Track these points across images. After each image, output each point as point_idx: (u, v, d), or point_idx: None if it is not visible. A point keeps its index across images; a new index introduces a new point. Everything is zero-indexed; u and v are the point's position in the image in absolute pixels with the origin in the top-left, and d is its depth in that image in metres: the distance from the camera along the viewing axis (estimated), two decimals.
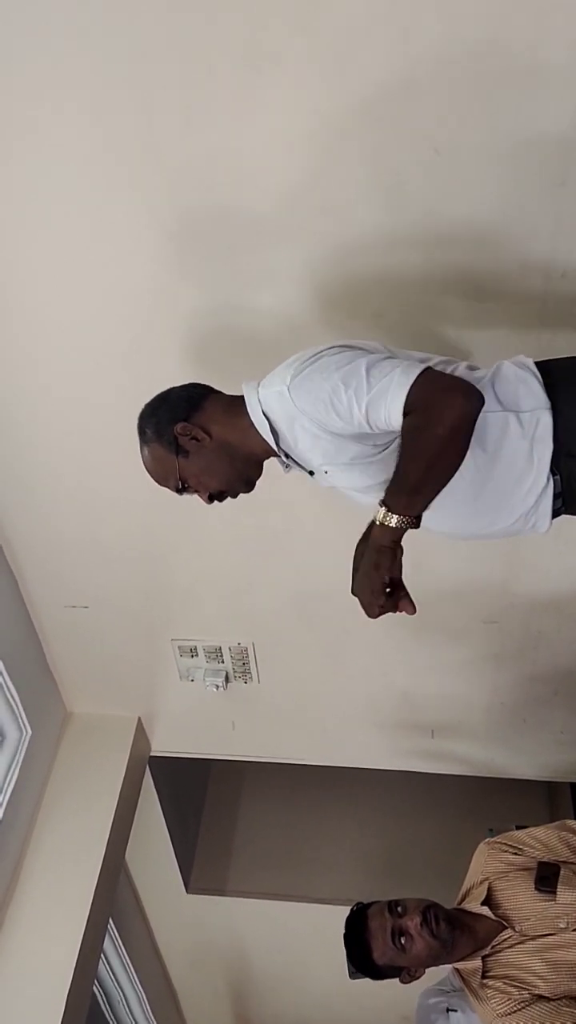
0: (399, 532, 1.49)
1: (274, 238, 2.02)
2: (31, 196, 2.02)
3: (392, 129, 1.83)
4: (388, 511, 1.47)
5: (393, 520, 1.47)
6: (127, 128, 1.88)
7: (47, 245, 2.10)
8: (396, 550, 1.51)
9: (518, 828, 3.32)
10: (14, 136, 1.92)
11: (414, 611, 1.57)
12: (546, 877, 2.08)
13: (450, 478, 1.46)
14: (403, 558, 1.53)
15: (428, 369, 1.46)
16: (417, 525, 1.49)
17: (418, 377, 1.43)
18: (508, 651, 2.99)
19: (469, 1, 1.65)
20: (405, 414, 1.43)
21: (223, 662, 3.24)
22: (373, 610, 1.57)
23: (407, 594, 1.58)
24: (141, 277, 2.13)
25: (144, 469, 1.71)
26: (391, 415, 1.44)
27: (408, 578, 1.58)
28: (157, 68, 1.80)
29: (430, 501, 1.48)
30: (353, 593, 1.60)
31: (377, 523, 1.49)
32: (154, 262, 2.09)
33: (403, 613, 1.58)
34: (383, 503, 1.49)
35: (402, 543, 1.52)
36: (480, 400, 1.42)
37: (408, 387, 1.42)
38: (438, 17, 1.68)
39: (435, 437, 1.41)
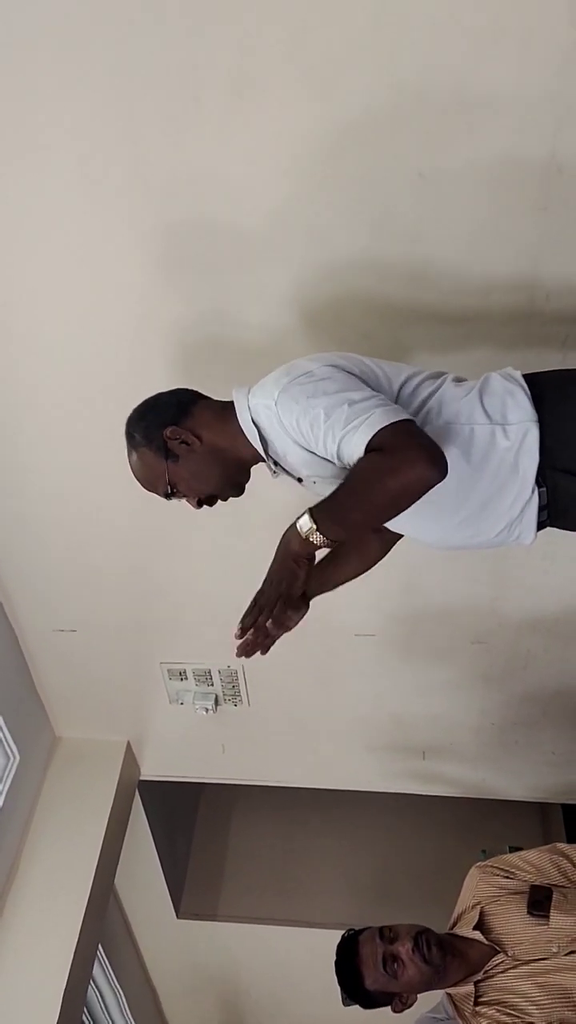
0: (315, 548, 1.48)
1: (260, 257, 2.04)
2: (18, 216, 2.02)
3: (377, 154, 1.85)
4: (315, 527, 1.45)
5: (317, 538, 1.46)
6: (113, 148, 1.90)
7: (35, 264, 2.11)
8: (306, 564, 1.52)
9: (511, 849, 3.32)
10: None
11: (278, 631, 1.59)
12: (538, 901, 2.07)
13: (373, 525, 1.47)
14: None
15: (410, 420, 1.44)
16: (331, 547, 1.49)
17: (396, 422, 1.41)
18: (497, 672, 2.98)
19: (452, 30, 1.68)
20: (370, 450, 1.41)
21: (212, 685, 3.23)
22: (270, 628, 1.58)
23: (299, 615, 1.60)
24: (129, 294, 2.14)
25: (133, 478, 1.69)
26: (355, 452, 1.43)
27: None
28: (145, 91, 1.81)
29: (351, 535, 1.49)
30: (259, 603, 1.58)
31: (301, 533, 1.47)
32: (141, 279, 2.10)
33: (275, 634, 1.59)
34: (312, 516, 1.46)
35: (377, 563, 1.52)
36: (443, 474, 1.39)
37: (380, 428, 1.40)
38: (421, 45, 1.70)
39: (385, 487, 1.40)
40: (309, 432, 1.48)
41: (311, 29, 1.71)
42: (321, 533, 1.45)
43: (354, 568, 1.85)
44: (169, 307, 2.15)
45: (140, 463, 1.66)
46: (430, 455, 1.39)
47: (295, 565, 1.52)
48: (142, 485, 1.69)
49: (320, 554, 1.55)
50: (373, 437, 1.40)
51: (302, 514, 1.48)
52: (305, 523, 1.46)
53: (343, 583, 1.83)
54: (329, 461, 1.52)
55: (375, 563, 1.88)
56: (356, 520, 1.48)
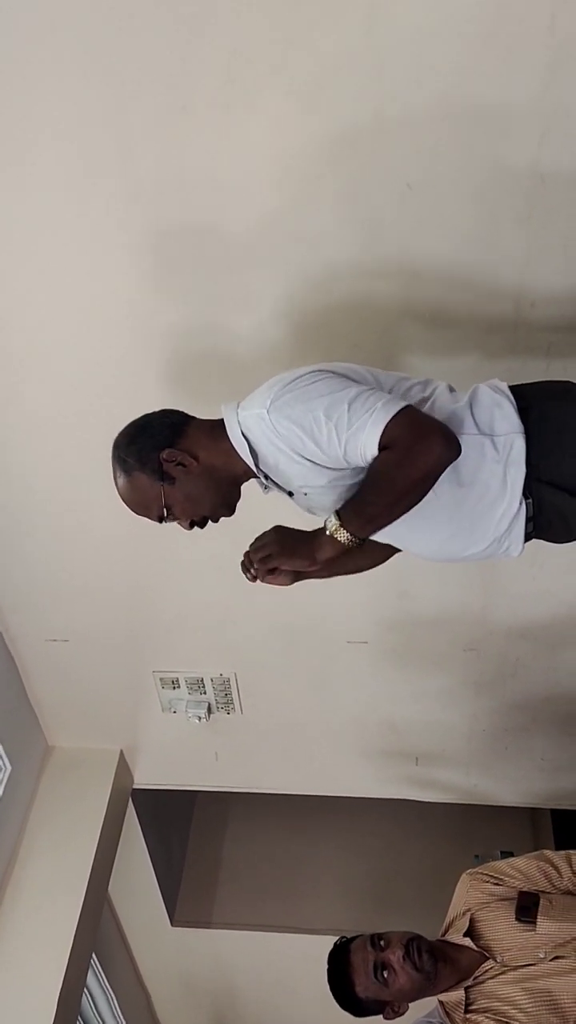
0: (343, 548, 1.52)
1: (250, 265, 2.05)
2: (9, 224, 2.03)
3: (366, 165, 1.88)
4: (341, 526, 1.49)
5: (343, 536, 1.50)
6: (104, 158, 1.91)
7: (27, 272, 2.12)
8: (322, 564, 1.56)
9: (502, 854, 3.33)
10: None
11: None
12: (526, 907, 2.08)
13: (403, 514, 1.49)
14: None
15: (409, 407, 1.47)
16: (362, 545, 1.52)
17: (398, 413, 1.44)
18: (487, 678, 3.00)
19: (438, 42, 1.70)
20: (383, 448, 1.44)
21: (205, 693, 3.23)
22: (258, 571, 1.61)
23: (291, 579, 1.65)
24: (119, 302, 2.15)
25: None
26: (366, 450, 1.45)
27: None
28: (135, 100, 1.83)
29: (381, 528, 1.51)
30: (259, 553, 1.61)
31: (327, 533, 1.51)
32: (131, 286, 2.12)
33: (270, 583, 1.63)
34: (338, 516, 1.50)
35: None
36: (458, 449, 1.44)
37: (386, 422, 1.42)
38: (409, 57, 1.72)
39: (408, 478, 1.44)
40: (309, 435, 1.48)
41: (300, 41, 1.73)
42: (347, 531, 1.49)
43: (357, 565, 1.85)
44: (159, 316, 2.17)
45: (132, 487, 1.62)
46: (442, 435, 1.44)
47: (304, 564, 1.56)
48: (133, 509, 1.65)
49: None
50: (383, 435, 1.43)
51: (331, 516, 1.51)
52: (332, 522, 1.50)
53: (342, 575, 1.84)
54: (324, 467, 1.53)
55: (376, 565, 1.88)
56: (382, 515, 1.50)
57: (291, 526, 1.63)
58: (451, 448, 1.44)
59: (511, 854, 3.46)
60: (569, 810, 3.75)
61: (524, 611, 2.75)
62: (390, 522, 1.49)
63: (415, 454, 1.43)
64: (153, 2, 1.70)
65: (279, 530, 1.62)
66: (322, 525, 1.53)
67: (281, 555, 1.58)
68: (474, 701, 3.10)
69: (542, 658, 2.89)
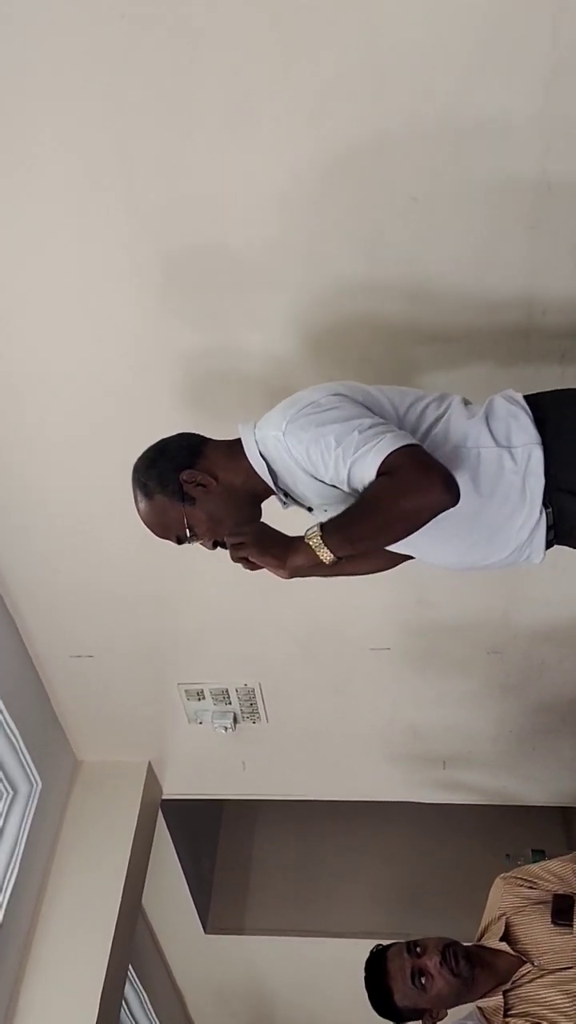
0: (317, 561, 1.50)
1: (258, 284, 2.07)
2: (18, 246, 2.05)
3: (371, 180, 1.89)
4: (321, 540, 1.48)
5: (321, 551, 1.48)
6: (109, 177, 1.92)
7: (37, 293, 2.14)
8: (293, 573, 1.55)
9: (533, 852, 3.34)
10: None
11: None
12: (562, 910, 2.08)
13: (383, 545, 1.49)
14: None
15: (419, 445, 1.47)
16: (337, 563, 1.50)
17: (406, 446, 1.43)
18: (513, 681, 3.00)
19: (438, 57, 1.71)
20: (381, 474, 1.43)
21: (231, 704, 3.25)
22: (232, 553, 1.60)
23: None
24: (130, 321, 2.16)
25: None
26: (365, 475, 1.45)
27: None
28: (141, 120, 1.84)
29: (359, 552, 1.51)
30: (233, 539, 1.60)
31: (305, 541, 1.50)
32: (141, 306, 2.13)
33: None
34: (321, 529, 1.49)
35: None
36: (457, 498, 1.42)
37: (390, 451, 1.42)
38: (409, 74, 1.73)
39: (399, 508, 1.43)
40: (319, 460, 1.50)
41: (303, 59, 1.74)
42: (326, 545, 1.48)
43: (358, 568, 1.84)
44: (169, 336, 2.18)
45: (153, 510, 1.63)
46: (443, 480, 1.42)
47: (273, 564, 1.55)
48: (155, 532, 1.67)
49: None
50: (384, 461, 1.42)
51: (314, 526, 1.50)
52: (314, 536, 1.49)
53: (344, 575, 1.81)
54: (338, 488, 1.54)
55: (377, 572, 1.87)
56: (364, 539, 1.50)
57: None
58: (450, 493, 1.42)
59: (542, 852, 3.48)
60: None
61: (547, 614, 2.75)
62: (370, 548, 1.49)
63: (413, 486, 1.42)
64: (154, 25, 1.72)
65: (262, 526, 1.61)
66: (302, 535, 1.52)
67: (253, 547, 1.56)
68: (500, 704, 3.10)
69: (568, 659, 2.88)
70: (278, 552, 1.55)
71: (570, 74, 1.71)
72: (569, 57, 1.69)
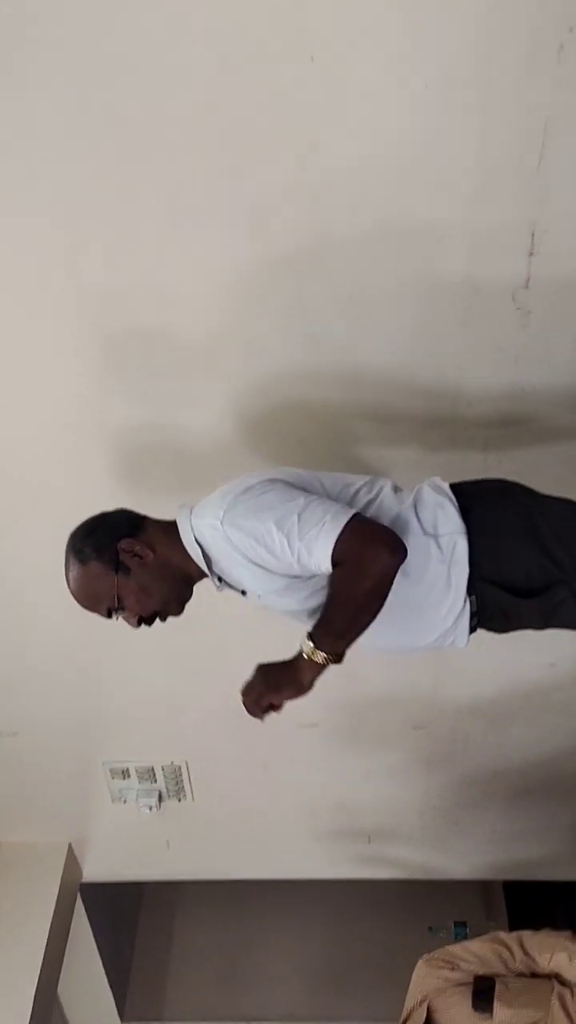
0: (323, 668, 1.55)
1: (198, 369, 2.11)
2: None
3: (309, 279, 1.96)
4: (315, 648, 1.53)
5: (319, 657, 1.53)
6: (52, 259, 1.94)
7: None
8: (310, 686, 1.58)
9: (455, 925, 3.34)
10: None
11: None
12: (481, 992, 2.10)
13: (372, 621, 1.53)
14: (333, 669, 1.59)
15: (356, 516, 1.52)
16: (340, 662, 1.55)
17: (346, 526, 1.49)
18: (438, 755, 3.04)
19: (371, 170, 1.80)
20: (335, 563, 1.49)
21: (156, 782, 3.20)
22: (255, 712, 1.63)
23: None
24: (69, 398, 2.17)
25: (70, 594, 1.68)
26: (320, 563, 1.50)
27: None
28: (85, 211, 1.87)
29: (354, 641, 1.55)
30: (245, 696, 1.63)
31: (305, 658, 1.54)
32: (81, 386, 2.14)
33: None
34: (311, 639, 1.54)
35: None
36: (404, 553, 1.50)
37: (336, 536, 1.48)
38: (346, 180, 1.82)
39: (362, 590, 1.49)
40: (263, 546, 1.53)
41: (249, 166, 1.81)
42: (322, 651, 1.53)
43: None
44: (109, 414, 2.20)
45: (86, 578, 1.64)
46: (387, 545, 1.49)
47: (293, 693, 1.58)
48: (83, 602, 1.67)
49: None
50: (333, 552, 1.48)
51: (304, 640, 1.54)
52: (307, 646, 1.54)
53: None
54: (277, 574, 1.57)
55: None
56: (350, 629, 1.54)
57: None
58: (397, 553, 1.49)
59: (464, 925, 3.48)
60: (520, 881, 3.78)
61: (472, 690, 2.81)
62: (360, 633, 1.53)
63: (365, 566, 1.48)
64: (105, 131, 1.77)
65: (261, 668, 1.64)
66: (298, 651, 1.56)
67: (269, 692, 1.60)
68: (425, 778, 3.13)
69: (491, 733, 2.94)
70: (290, 680, 1.58)
71: (492, 189, 1.83)
72: (492, 173, 1.81)
